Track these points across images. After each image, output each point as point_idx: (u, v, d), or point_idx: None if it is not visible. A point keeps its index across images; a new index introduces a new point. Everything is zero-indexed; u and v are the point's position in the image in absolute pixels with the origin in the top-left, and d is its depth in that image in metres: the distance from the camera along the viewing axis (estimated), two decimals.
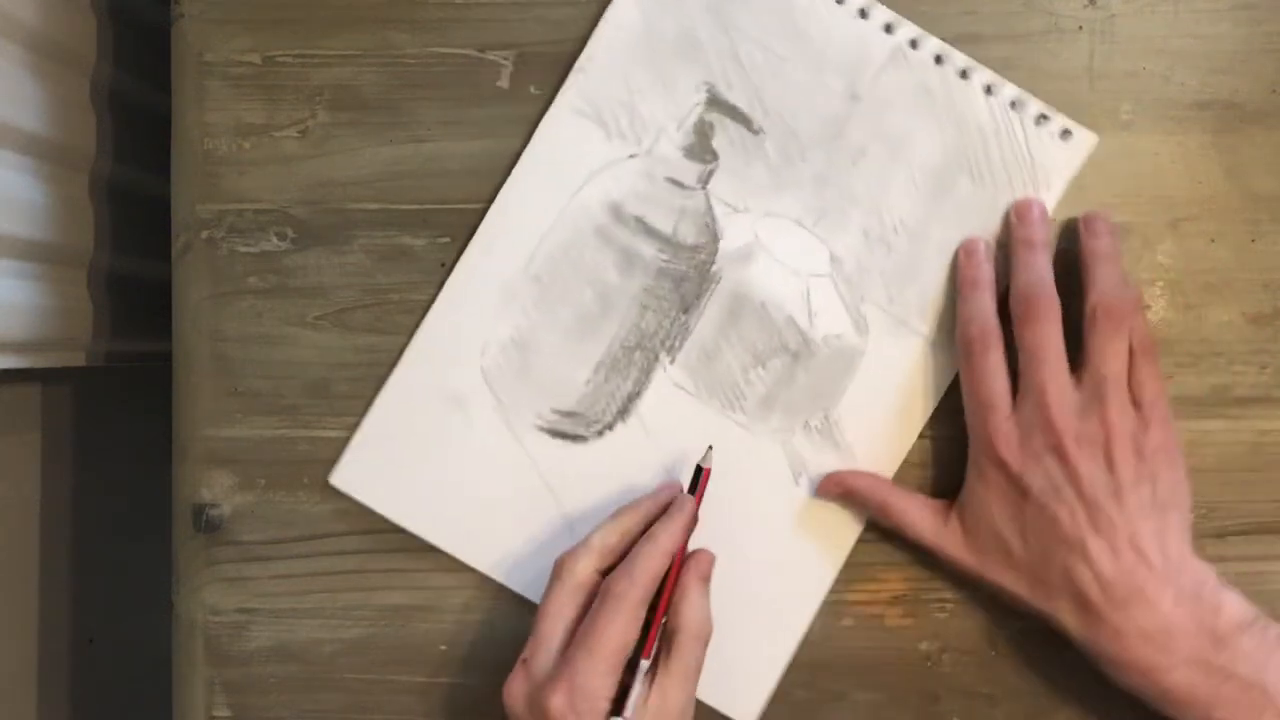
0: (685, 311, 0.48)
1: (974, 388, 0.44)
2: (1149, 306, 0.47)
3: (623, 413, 0.48)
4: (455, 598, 0.48)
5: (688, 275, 0.47)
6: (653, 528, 0.43)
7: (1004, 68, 0.47)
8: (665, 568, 0.42)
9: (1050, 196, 0.46)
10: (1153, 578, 0.40)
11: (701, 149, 0.47)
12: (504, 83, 0.48)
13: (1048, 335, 0.43)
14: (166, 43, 0.49)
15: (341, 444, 0.48)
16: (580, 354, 0.48)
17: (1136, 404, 0.42)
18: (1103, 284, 0.43)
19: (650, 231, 0.47)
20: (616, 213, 0.47)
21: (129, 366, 0.60)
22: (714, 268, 0.47)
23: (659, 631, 0.41)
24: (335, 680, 0.49)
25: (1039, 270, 0.44)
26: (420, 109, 0.48)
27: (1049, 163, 0.47)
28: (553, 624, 0.41)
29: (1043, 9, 0.47)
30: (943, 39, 0.47)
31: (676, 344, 0.48)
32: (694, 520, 0.44)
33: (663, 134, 0.47)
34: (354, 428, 0.48)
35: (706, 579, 0.43)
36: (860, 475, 0.47)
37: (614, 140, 0.47)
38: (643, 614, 0.41)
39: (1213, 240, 0.47)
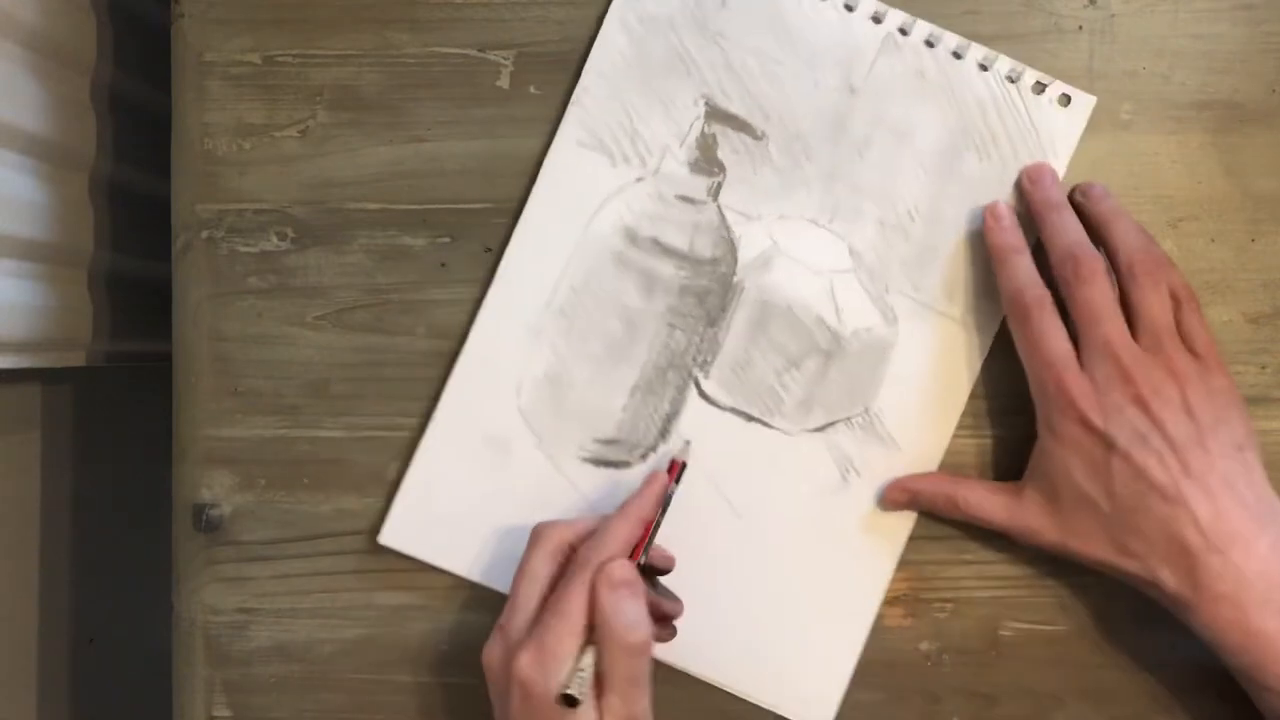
0: (712, 325, 0.47)
1: (1037, 349, 0.43)
2: None
3: (663, 433, 0.47)
4: (455, 598, 0.48)
5: (710, 289, 0.47)
6: (624, 502, 0.43)
7: None
8: (636, 536, 0.42)
9: (1058, 163, 0.46)
10: (1249, 519, 0.40)
11: (707, 162, 0.47)
12: (504, 83, 0.48)
13: (1102, 292, 0.42)
14: (166, 43, 0.49)
15: (342, 444, 0.48)
16: (614, 381, 0.47)
17: (1192, 352, 0.42)
18: (1127, 240, 0.44)
19: (667, 251, 0.47)
20: (631, 237, 0.47)
21: (129, 366, 0.60)
22: (735, 278, 0.47)
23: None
24: (335, 680, 0.49)
25: (1074, 230, 0.44)
26: (420, 109, 0.48)
27: (1052, 129, 0.46)
28: (528, 587, 0.41)
29: (1043, 9, 0.47)
30: None
31: (708, 359, 0.47)
32: (665, 495, 0.44)
33: (667, 153, 0.47)
34: (353, 427, 0.48)
35: (624, 584, 0.39)
36: (922, 477, 0.46)
37: (619, 166, 0.47)
38: None
39: (1213, 240, 0.47)
